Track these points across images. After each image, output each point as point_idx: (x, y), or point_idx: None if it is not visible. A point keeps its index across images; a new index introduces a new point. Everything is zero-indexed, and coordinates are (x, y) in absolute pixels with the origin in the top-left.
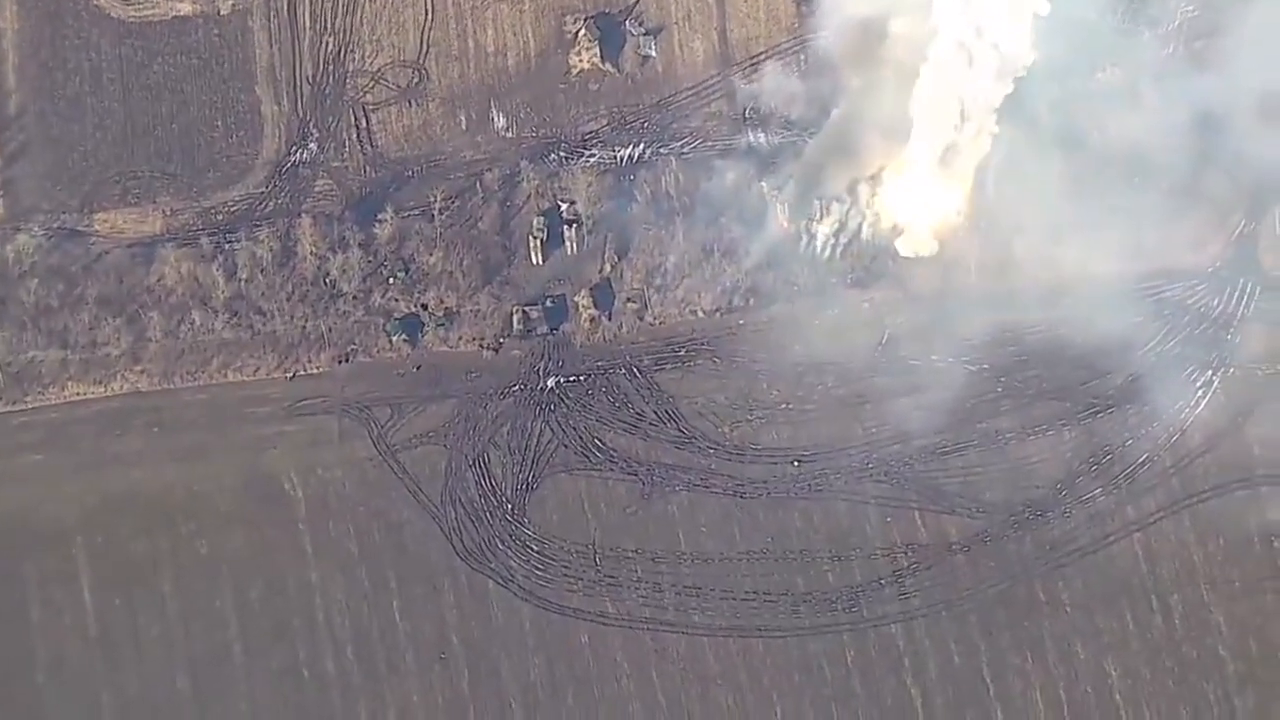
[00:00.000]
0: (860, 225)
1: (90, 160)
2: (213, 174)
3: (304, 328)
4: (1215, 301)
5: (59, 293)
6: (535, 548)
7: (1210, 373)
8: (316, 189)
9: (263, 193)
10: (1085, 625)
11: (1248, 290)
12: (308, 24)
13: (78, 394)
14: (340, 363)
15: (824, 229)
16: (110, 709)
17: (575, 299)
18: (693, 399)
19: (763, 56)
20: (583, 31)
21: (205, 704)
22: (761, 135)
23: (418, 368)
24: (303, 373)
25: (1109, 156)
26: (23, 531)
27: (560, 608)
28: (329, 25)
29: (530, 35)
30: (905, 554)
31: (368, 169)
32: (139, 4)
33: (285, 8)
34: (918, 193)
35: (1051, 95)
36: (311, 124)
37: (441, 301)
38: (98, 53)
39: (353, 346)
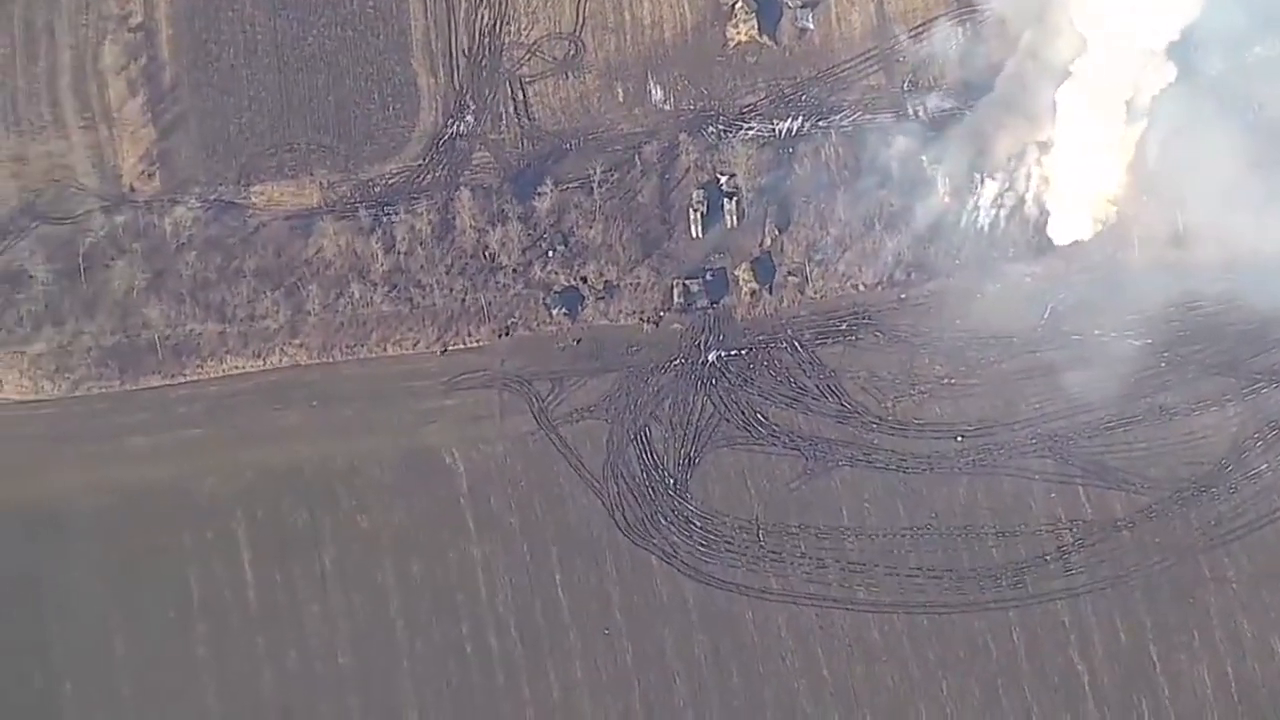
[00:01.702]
0: (1021, 199)
1: (246, 132)
2: (369, 147)
3: (463, 301)
4: None
5: (217, 265)
6: (698, 523)
7: None
8: (474, 162)
9: (420, 165)
10: (1252, 601)
11: None
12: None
13: (236, 367)
14: (500, 336)
15: (985, 202)
16: (271, 684)
17: (735, 272)
18: (855, 373)
19: (921, 28)
20: (740, 4)
21: (368, 680)
22: (921, 107)
23: (578, 341)
24: (462, 347)
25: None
26: (182, 505)
27: (724, 583)
28: None
29: (686, 7)
30: (1070, 530)
31: (525, 142)
32: None
33: None
34: (1076, 169)
35: (1217, 63)
36: (468, 96)
37: (601, 275)
38: (252, 25)
39: (512, 320)
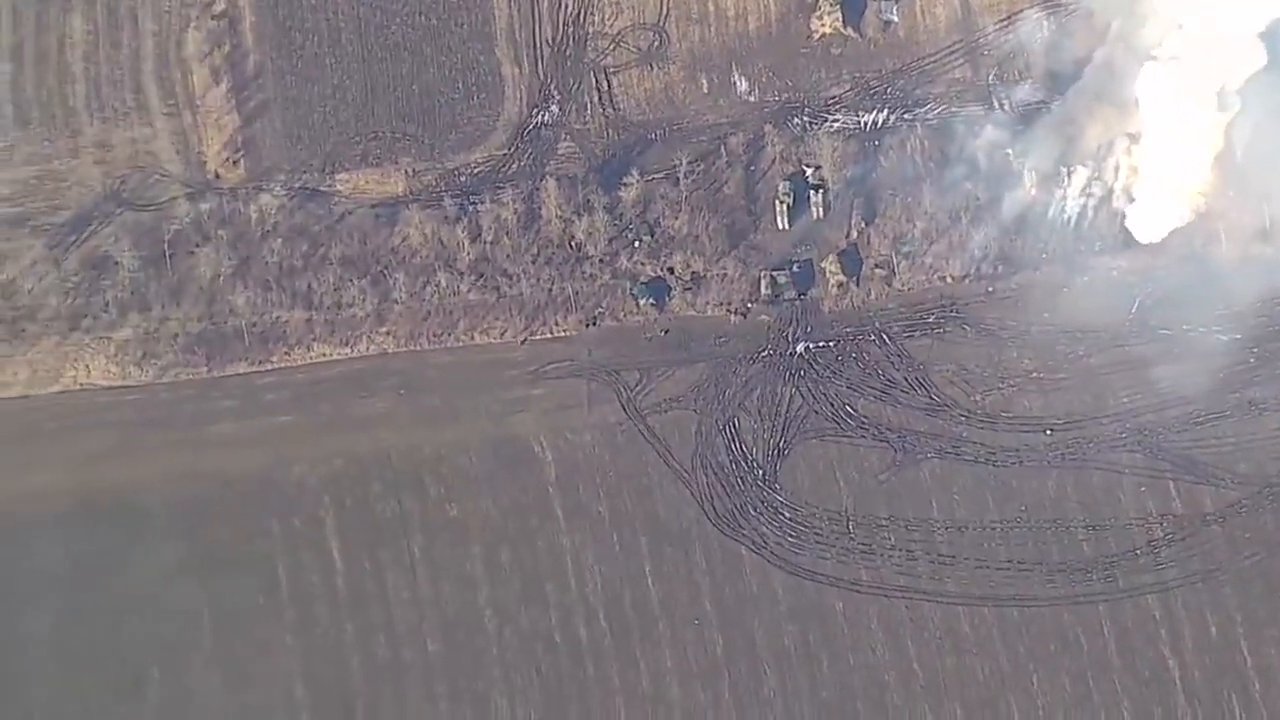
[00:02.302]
0: (1109, 191)
1: (330, 120)
2: (454, 135)
3: (550, 290)
4: None
5: (302, 253)
6: (787, 514)
7: None
8: (559, 151)
9: (505, 155)
10: None
11: None
12: None
13: (323, 355)
14: (587, 326)
15: (1072, 194)
16: (359, 672)
17: (822, 264)
18: (943, 366)
19: (1007, 20)
20: None
21: (456, 668)
22: (1007, 99)
23: (665, 332)
24: (549, 336)
25: None
26: (270, 493)
27: (813, 574)
28: None
29: (780, 4)
30: (1160, 524)
31: (610, 132)
32: None
33: None
34: (1163, 161)
35: None
36: (553, 86)
37: (688, 265)
38: (336, 12)
39: (599, 310)
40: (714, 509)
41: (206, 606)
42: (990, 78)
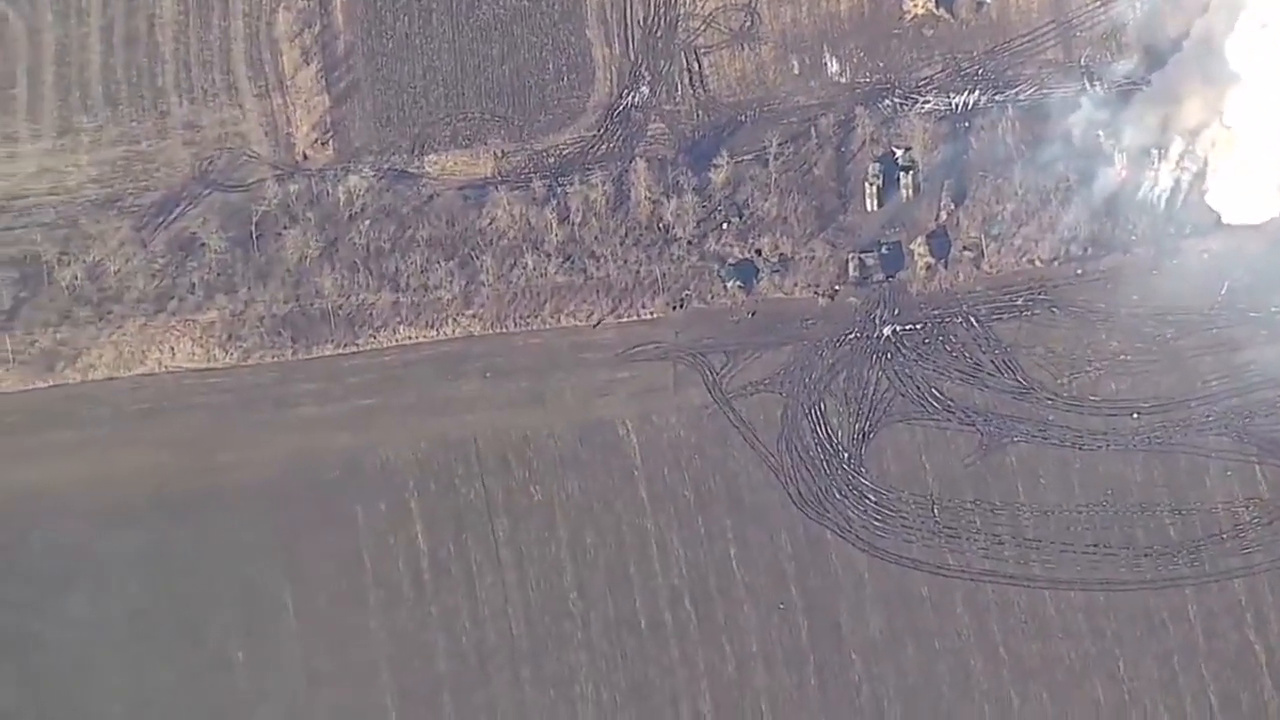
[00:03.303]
0: (1200, 173)
1: (420, 101)
2: (544, 117)
3: (637, 273)
4: None
5: (390, 234)
6: (872, 498)
7: None
8: (649, 133)
9: (595, 136)
10: None
11: None
12: None
13: (409, 337)
14: (674, 308)
15: (1163, 176)
16: (444, 654)
17: (911, 246)
18: (1031, 349)
19: (1098, 3)
20: None
21: (541, 652)
22: (1099, 81)
23: (752, 314)
24: (636, 319)
25: None
26: (355, 475)
27: (899, 558)
28: None
29: None
30: (1246, 508)
31: (700, 113)
32: None
33: None
34: (1248, 153)
35: None
36: (643, 67)
37: (776, 247)
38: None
39: (687, 292)
40: (799, 492)
41: (290, 589)
42: (1083, 58)
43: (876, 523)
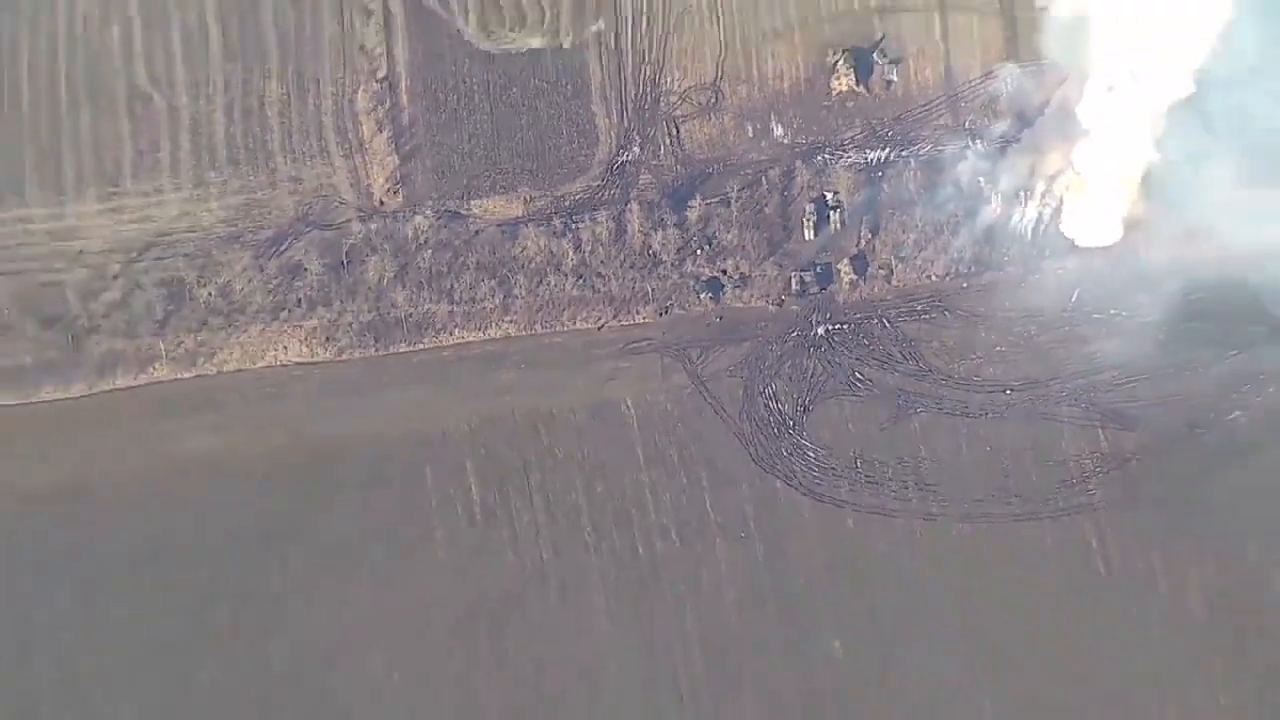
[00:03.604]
0: (1056, 208)
1: (467, 160)
2: (561, 170)
3: (633, 288)
4: None
5: (446, 261)
6: (812, 455)
7: None
8: (640, 182)
9: (599, 185)
10: (1226, 517)
11: None
12: (630, 55)
13: (463, 338)
14: (661, 315)
15: (1028, 212)
16: (490, 578)
17: (838, 266)
18: (929, 342)
19: (979, 79)
20: (840, 62)
21: (565, 573)
22: (980, 141)
23: (720, 319)
24: (632, 323)
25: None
26: (423, 443)
27: (832, 500)
28: (646, 56)
29: (800, 64)
30: (1091, 461)
31: (678, 167)
32: (500, 40)
33: (613, 42)
34: (1100, 185)
35: (1217, 99)
36: (635, 132)
37: (737, 268)
38: (470, 78)
39: (670, 302)
40: (756, 452)
41: (377, 530)
42: (968, 122)
43: (815, 474)
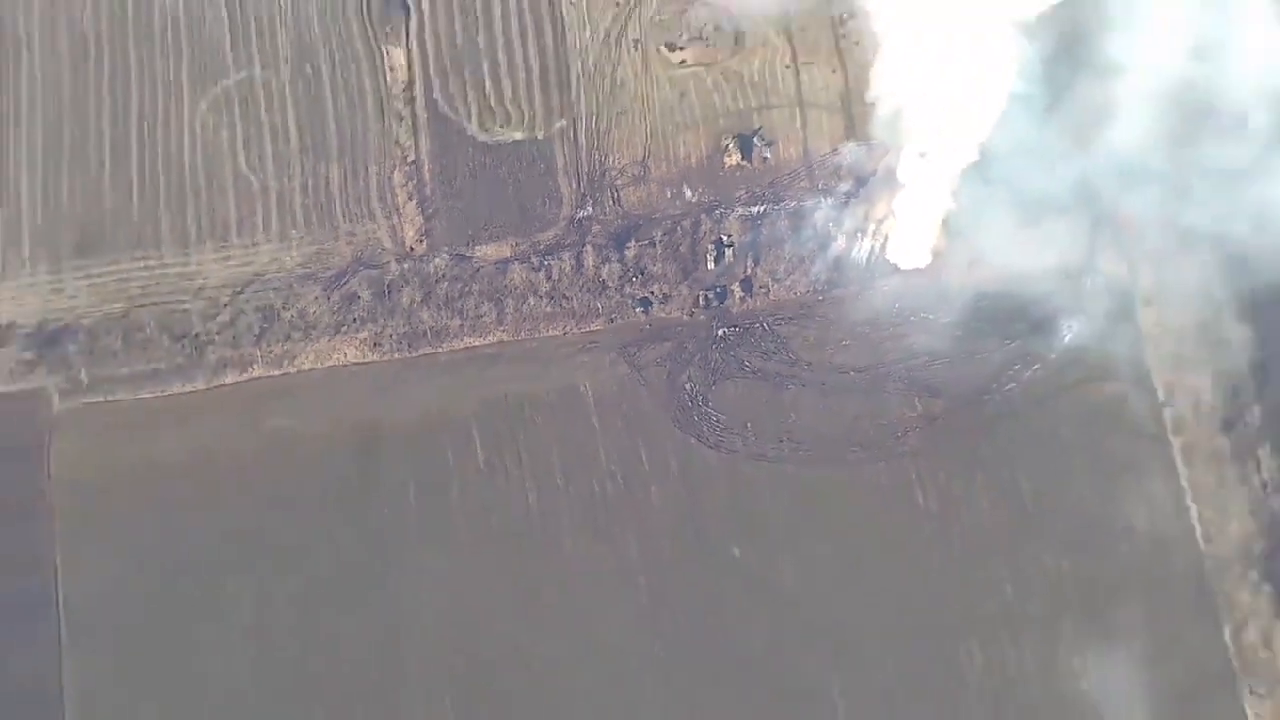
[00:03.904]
0: (884, 242)
1: (470, 218)
2: (537, 224)
3: (588, 305)
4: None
5: (458, 289)
6: (715, 420)
7: (1071, 321)
8: (593, 231)
9: (564, 234)
10: (1013, 457)
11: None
12: (584, 143)
13: (471, 343)
14: (608, 324)
15: (864, 246)
16: (496, 514)
17: (731, 287)
18: (796, 339)
19: (830, 153)
20: (730, 144)
21: (543, 507)
22: (830, 197)
23: (649, 325)
24: (588, 331)
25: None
26: (443, 419)
27: (730, 452)
28: (595, 144)
29: (703, 147)
30: (909, 421)
31: (619, 220)
32: (493, 134)
33: (571, 135)
34: (909, 225)
35: (994, 166)
36: (588, 197)
37: (661, 290)
38: (472, 161)
39: (614, 315)
40: (678, 419)
41: (411, 486)
42: (821, 184)
43: (718, 434)
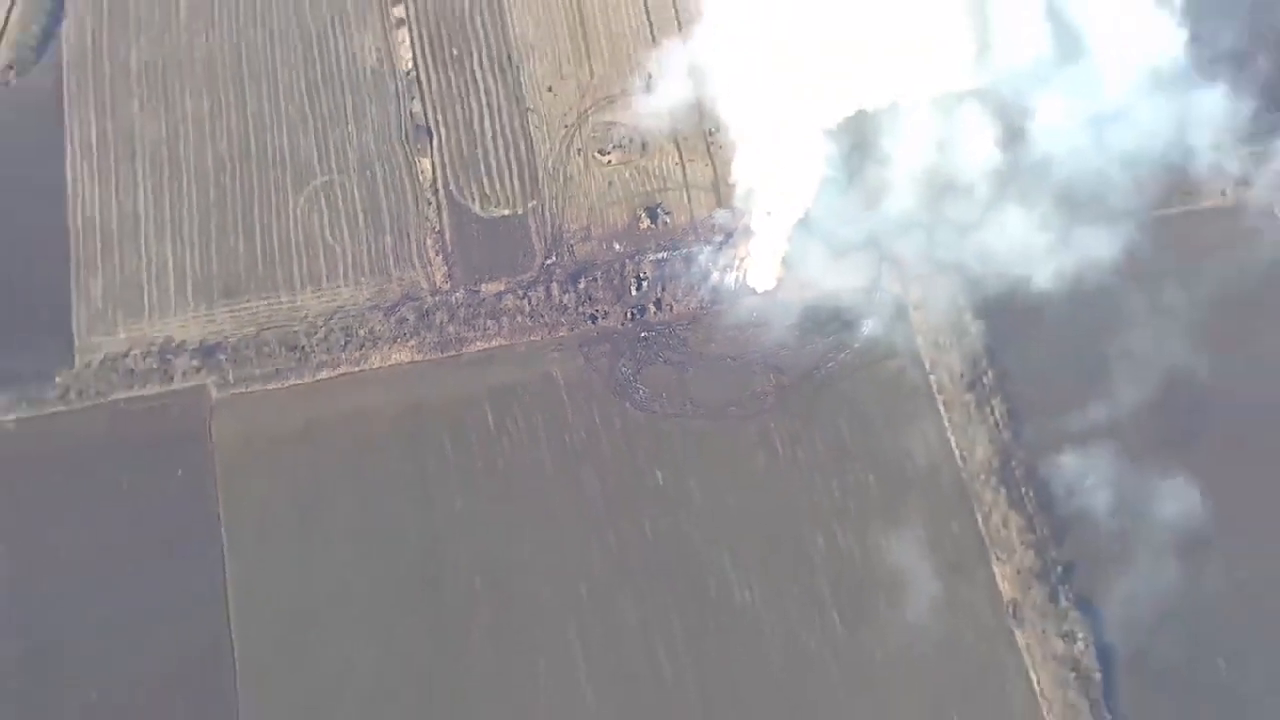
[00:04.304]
0: (746, 271)
1: (478, 268)
2: (521, 269)
3: (556, 320)
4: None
5: (470, 312)
6: (642, 392)
7: (867, 321)
8: (556, 273)
9: (537, 275)
10: (839, 418)
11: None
12: (548, 216)
13: (480, 348)
14: (570, 332)
15: (733, 276)
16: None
17: (648, 305)
18: (692, 339)
19: (707, 218)
20: (642, 214)
21: (526, 466)
22: (710, 245)
23: (597, 332)
24: (557, 337)
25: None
26: (462, 400)
27: (652, 413)
28: (556, 217)
29: (626, 216)
30: (766, 389)
31: (573, 265)
32: (489, 211)
33: (540, 210)
34: (760, 261)
35: (816, 222)
36: (552, 251)
37: (604, 309)
38: (477, 230)
39: (573, 326)
40: (617, 392)
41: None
42: (704, 237)
43: (646, 402)
